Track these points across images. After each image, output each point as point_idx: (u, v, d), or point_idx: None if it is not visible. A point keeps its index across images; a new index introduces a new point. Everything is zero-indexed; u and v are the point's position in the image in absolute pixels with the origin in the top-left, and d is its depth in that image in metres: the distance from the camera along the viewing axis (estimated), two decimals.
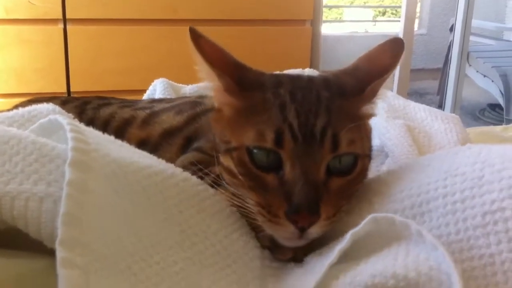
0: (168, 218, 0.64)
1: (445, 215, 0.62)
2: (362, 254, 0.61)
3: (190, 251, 0.63)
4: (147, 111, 1.04)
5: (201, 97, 1.09)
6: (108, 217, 0.58)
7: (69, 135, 0.60)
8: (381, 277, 0.55)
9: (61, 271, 0.50)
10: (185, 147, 0.95)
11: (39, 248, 0.59)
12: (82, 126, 0.65)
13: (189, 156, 0.88)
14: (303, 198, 0.65)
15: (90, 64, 2.35)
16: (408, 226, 0.58)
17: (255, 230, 0.71)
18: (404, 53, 0.77)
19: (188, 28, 0.74)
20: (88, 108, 1.04)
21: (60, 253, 0.51)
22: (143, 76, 2.32)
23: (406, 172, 0.71)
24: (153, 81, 1.43)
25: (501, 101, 3.81)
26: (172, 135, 0.98)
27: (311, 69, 1.46)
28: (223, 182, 0.74)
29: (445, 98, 3.46)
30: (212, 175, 0.76)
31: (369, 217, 0.60)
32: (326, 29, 4.57)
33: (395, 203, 0.67)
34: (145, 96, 1.38)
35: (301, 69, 1.44)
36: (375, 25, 5.46)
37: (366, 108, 0.77)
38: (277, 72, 0.85)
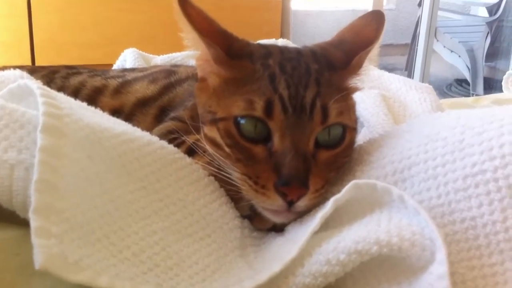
0: (145, 186, 0.62)
1: (427, 180, 0.61)
2: (345, 221, 0.60)
3: (169, 220, 0.61)
4: (119, 80, 1.01)
5: (176, 66, 1.07)
6: (83, 184, 0.56)
7: (40, 100, 0.57)
8: (364, 243, 0.54)
9: (35, 240, 0.48)
10: (159, 117, 0.93)
11: (11, 219, 0.57)
12: (53, 91, 0.62)
13: (167, 125, 0.86)
14: (293, 170, 0.64)
15: (55, 37, 2.28)
16: (390, 191, 0.58)
17: (234, 200, 0.70)
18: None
19: None
20: (56, 77, 1.01)
21: (34, 222, 0.49)
22: (108, 49, 2.27)
23: (387, 139, 0.71)
24: (116, 54, 1.39)
25: (467, 76, 3.87)
26: (146, 104, 0.96)
27: (285, 40, 1.44)
28: (200, 150, 0.72)
29: (413, 73, 3.49)
30: (190, 142, 0.74)
31: (351, 183, 0.59)
32: (296, 5, 4.54)
33: (377, 169, 0.66)
34: (115, 67, 1.34)
35: (274, 39, 1.42)
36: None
37: (352, 81, 0.76)
38: (263, 42, 0.83)
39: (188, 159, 0.69)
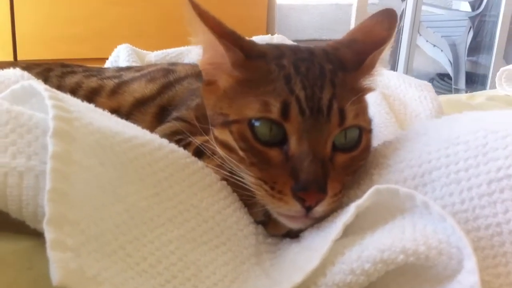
0: (159, 193, 0.59)
1: (449, 185, 0.60)
2: (365, 227, 0.58)
3: (183, 228, 0.58)
4: (116, 80, 0.98)
5: (173, 64, 1.05)
6: (96, 192, 0.53)
7: (49, 102, 0.54)
8: (390, 251, 0.52)
9: (52, 254, 0.45)
10: (159, 116, 0.91)
11: (21, 229, 0.54)
12: (60, 93, 0.59)
13: (170, 125, 0.82)
14: (311, 175, 0.61)
15: (38, 30, 2.22)
16: (413, 197, 0.56)
17: (248, 205, 0.68)
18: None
19: None
20: (52, 75, 0.98)
21: (49, 234, 0.46)
22: (96, 43, 2.22)
23: (403, 142, 0.69)
24: (104, 49, 1.36)
25: (449, 70, 3.89)
26: (145, 104, 0.93)
27: (280, 36, 1.41)
28: (208, 152, 0.70)
29: (396, 67, 3.48)
30: (198, 143, 0.71)
31: (372, 189, 0.57)
32: None
33: (395, 173, 0.64)
34: (107, 63, 1.30)
35: (269, 35, 1.39)
36: None
37: (365, 82, 0.74)
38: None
39: (199, 163, 0.66)
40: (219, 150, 0.68)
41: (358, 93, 0.70)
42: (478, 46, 3.93)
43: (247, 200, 0.67)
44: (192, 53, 1.26)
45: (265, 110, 0.64)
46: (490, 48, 3.66)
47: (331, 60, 0.72)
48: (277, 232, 0.67)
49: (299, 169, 0.62)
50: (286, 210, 0.63)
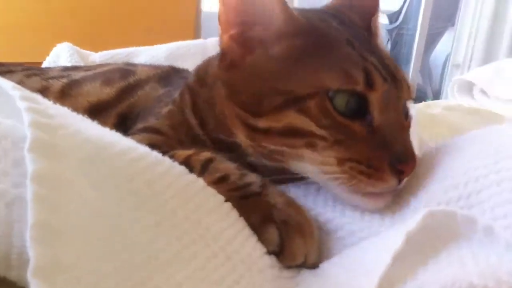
0: (161, 221, 0.45)
1: (503, 205, 0.51)
2: (409, 254, 0.48)
3: (191, 266, 0.45)
4: (64, 80, 0.83)
5: (130, 64, 0.91)
6: (90, 225, 0.39)
7: (22, 104, 0.40)
8: None
9: None
10: (119, 127, 0.76)
11: None
12: (32, 93, 0.44)
13: (139, 138, 0.67)
14: (405, 145, 0.58)
15: None
16: (474, 222, 0.47)
17: (257, 230, 0.55)
18: None
19: None
20: None
21: None
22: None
23: (439, 157, 0.60)
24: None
25: None
26: (102, 111, 0.79)
27: None
28: (196, 167, 0.57)
29: None
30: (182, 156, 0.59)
31: (425, 212, 0.48)
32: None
33: (436, 194, 0.55)
34: (45, 64, 1.12)
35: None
36: None
37: None
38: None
39: (200, 181, 0.53)
40: (270, 141, 0.59)
41: None
42: (395, 58, 4.00)
43: (257, 225, 0.55)
44: (143, 54, 1.12)
45: (350, 82, 0.57)
46: (408, 60, 3.73)
47: (361, 26, 0.67)
48: (293, 263, 0.55)
49: (390, 140, 0.57)
50: (380, 188, 0.56)
